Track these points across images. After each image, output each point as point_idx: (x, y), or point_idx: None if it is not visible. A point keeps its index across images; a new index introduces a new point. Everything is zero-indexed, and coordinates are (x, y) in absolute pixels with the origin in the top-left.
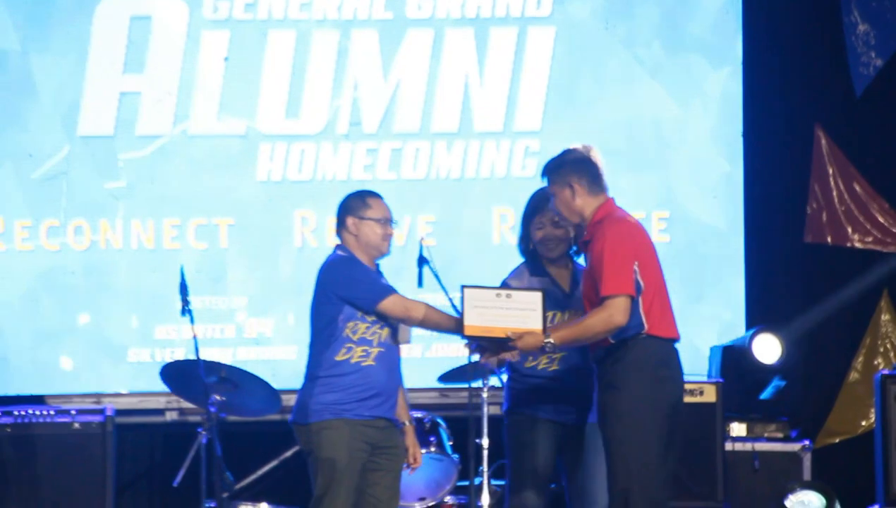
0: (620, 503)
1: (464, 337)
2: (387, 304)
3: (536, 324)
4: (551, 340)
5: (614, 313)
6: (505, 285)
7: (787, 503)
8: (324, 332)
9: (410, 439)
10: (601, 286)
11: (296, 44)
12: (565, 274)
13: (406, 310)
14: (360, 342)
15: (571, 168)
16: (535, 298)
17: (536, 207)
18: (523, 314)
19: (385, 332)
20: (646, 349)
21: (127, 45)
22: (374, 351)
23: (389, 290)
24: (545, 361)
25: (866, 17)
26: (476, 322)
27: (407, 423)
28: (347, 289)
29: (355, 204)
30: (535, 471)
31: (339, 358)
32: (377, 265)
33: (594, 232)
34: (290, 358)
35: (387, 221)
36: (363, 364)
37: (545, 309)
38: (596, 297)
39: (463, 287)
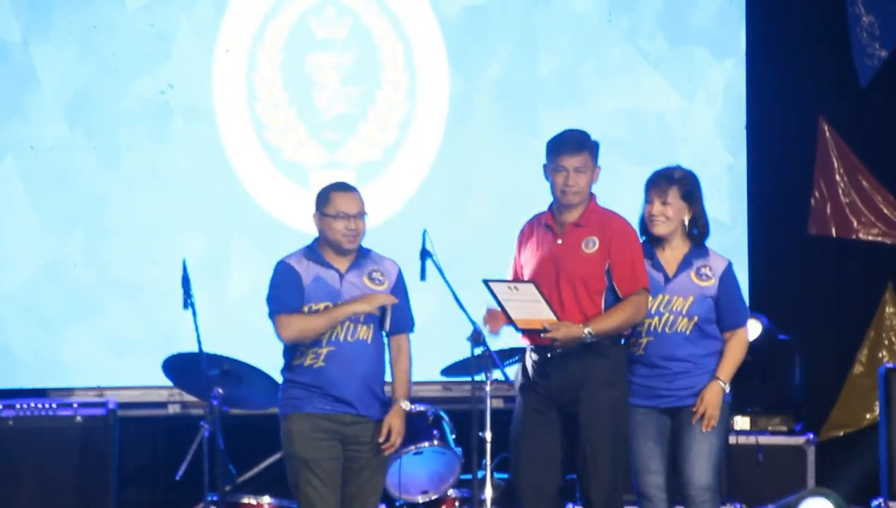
0: (601, 501)
1: (519, 330)
2: (284, 335)
3: (548, 314)
4: (590, 330)
5: (643, 307)
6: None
7: None
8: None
9: (389, 417)
10: (636, 278)
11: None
12: (675, 256)
13: (279, 329)
14: (310, 344)
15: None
16: (531, 289)
17: (648, 183)
18: (535, 305)
19: (337, 330)
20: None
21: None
22: (323, 351)
23: (283, 309)
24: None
25: (871, 7)
26: (521, 315)
27: (398, 402)
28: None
29: (319, 199)
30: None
31: (295, 362)
32: (364, 251)
33: (598, 219)
34: None
35: (347, 216)
36: (315, 366)
37: (547, 299)
38: (602, 284)
39: (486, 282)
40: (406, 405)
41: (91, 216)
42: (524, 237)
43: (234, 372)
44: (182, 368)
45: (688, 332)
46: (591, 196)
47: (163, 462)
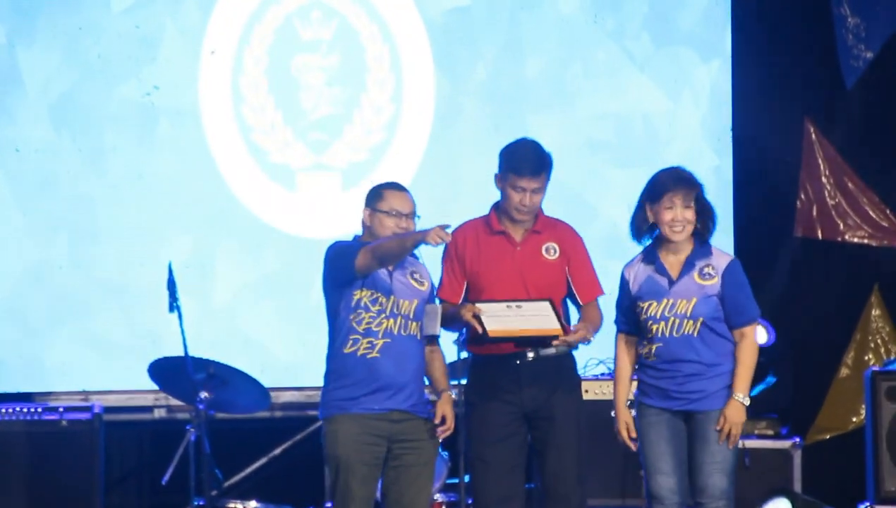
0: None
1: (489, 339)
2: (358, 260)
3: (555, 324)
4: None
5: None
6: None
7: None
8: (332, 324)
9: (441, 405)
10: (595, 284)
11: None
12: (678, 258)
13: (361, 258)
14: (366, 333)
15: None
16: (545, 306)
17: (667, 187)
18: (538, 319)
19: (391, 323)
20: None
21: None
22: (379, 342)
23: (354, 247)
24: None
25: (857, 9)
26: (497, 327)
27: (445, 392)
28: (328, 268)
29: (372, 195)
30: None
31: (346, 350)
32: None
33: (552, 225)
34: (279, 355)
35: (400, 215)
36: (369, 356)
37: (558, 312)
38: (564, 290)
39: (474, 302)
40: (453, 394)
41: (77, 218)
42: (466, 239)
43: (221, 376)
44: (168, 372)
45: (695, 334)
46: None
47: (149, 467)
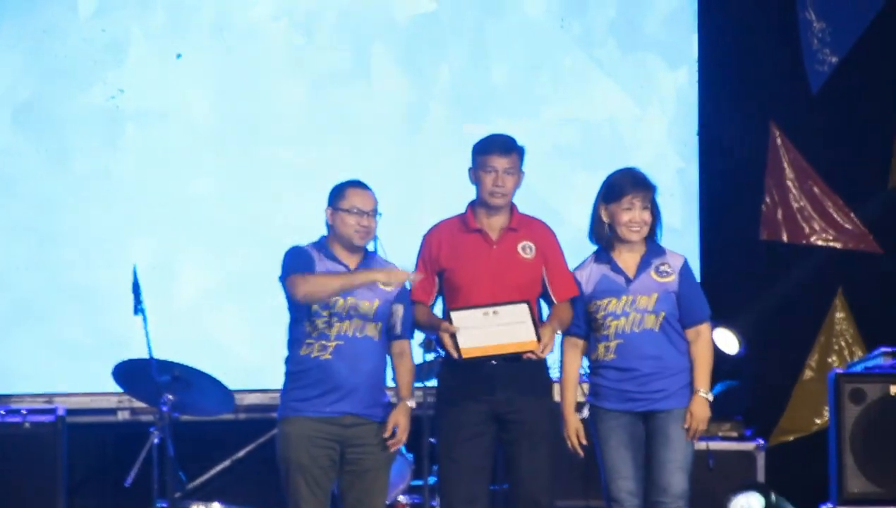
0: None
1: (462, 360)
2: (299, 293)
3: (530, 335)
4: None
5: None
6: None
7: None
8: (290, 327)
9: (395, 414)
10: (570, 284)
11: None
12: (633, 258)
13: (291, 286)
14: (319, 337)
15: None
16: (522, 310)
17: (625, 189)
18: (513, 327)
19: (346, 325)
20: None
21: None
22: (332, 344)
23: (296, 269)
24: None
25: (822, 13)
26: (469, 344)
27: (403, 401)
28: (281, 280)
29: (333, 193)
30: None
31: (301, 353)
32: (369, 253)
33: (527, 223)
34: (243, 357)
35: (361, 212)
36: (322, 358)
37: (535, 317)
38: (539, 289)
39: (449, 311)
40: (412, 403)
41: (41, 221)
42: (440, 242)
43: (185, 379)
44: (132, 374)
45: (656, 329)
46: (513, 204)
47: (112, 469)
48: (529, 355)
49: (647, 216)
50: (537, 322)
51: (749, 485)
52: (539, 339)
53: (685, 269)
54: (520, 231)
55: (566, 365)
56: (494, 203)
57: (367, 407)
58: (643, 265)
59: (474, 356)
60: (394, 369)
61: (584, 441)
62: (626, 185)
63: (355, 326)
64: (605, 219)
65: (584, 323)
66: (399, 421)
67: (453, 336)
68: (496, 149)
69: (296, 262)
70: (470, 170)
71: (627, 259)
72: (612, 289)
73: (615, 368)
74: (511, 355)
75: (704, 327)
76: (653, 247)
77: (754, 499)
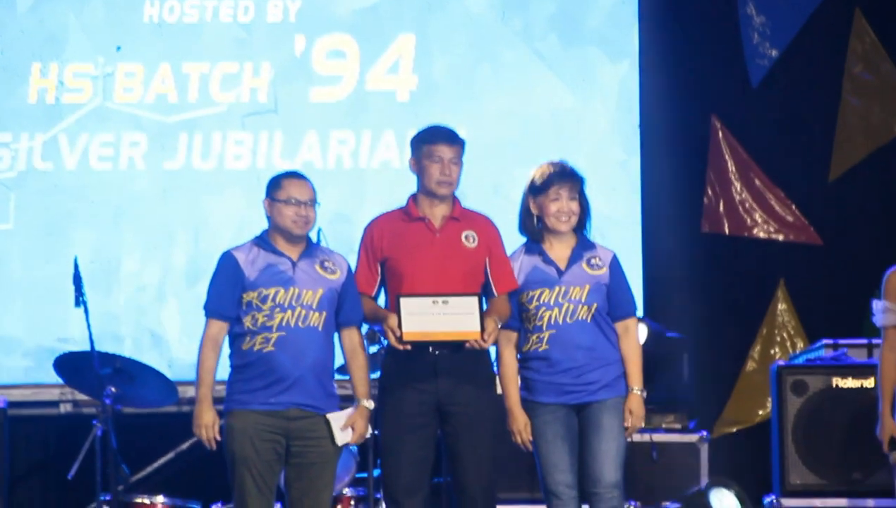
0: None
1: (402, 342)
2: (207, 323)
3: (474, 327)
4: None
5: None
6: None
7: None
8: (234, 322)
9: (354, 416)
10: (513, 278)
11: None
12: (564, 249)
13: (205, 332)
14: (261, 329)
15: None
16: (472, 303)
17: (552, 179)
18: (460, 318)
19: (288, 315)
20: None
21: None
22: (274, 336)
23: (213, 314)
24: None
25: (762, 8)
26: (413, 328)
27: (361, 402)
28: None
29: (271, 185)
30: None
31: (244, 347)
32: (312, 241)
33: (469, 214)
34: (187, 350)
35: (299, 203)
36: (264, 350)
37: (482, 310)
38: (482, 278)
39: (398, 296)
40: (370, 404)
41: None
42: (382, 231)
43: (127, 371)
44: (74, 366)
45: (588, 320)
46: (456, 197)
47: (54, 462)
48: (472, 344)
49: (574, 206)
50: (483, 315)
51: (719, 482)
52: (483, 330)
53: (615, 264)
54: (462, 221)
55: (505, 359)
56: (441, 192)
57: (313, 398)
58: (574, 257)
59: (416, 340)
60: (348, 367)
61: (531, 437)
62: (552, 176)
63: (298, 316)
64: (533, 211)
65: (517, 315)
66: (357, 424)
67: (399, 322)
68: (443, 139)
69: (217, 293)
70: (411, 160)
71: (558, 250)
72: (544, 280)
73: (547, 359)
74: (453, 343)
75: (632, 322)
76: (583, 241)
77: (730, 499)
